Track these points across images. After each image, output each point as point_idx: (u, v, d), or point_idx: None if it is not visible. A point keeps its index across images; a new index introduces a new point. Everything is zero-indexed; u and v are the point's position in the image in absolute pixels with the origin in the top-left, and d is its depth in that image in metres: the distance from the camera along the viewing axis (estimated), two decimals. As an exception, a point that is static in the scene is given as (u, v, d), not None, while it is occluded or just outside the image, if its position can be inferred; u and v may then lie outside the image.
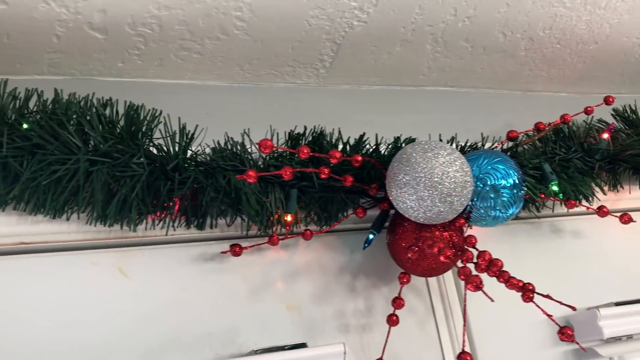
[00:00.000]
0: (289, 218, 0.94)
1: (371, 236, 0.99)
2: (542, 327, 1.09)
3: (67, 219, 0.87)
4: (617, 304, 1.10)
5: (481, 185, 0.92)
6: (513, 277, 0.86)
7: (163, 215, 0.91)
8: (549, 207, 1.21)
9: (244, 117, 1.02)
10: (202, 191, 0.89)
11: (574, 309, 0.82)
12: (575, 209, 1.22)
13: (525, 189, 0.97)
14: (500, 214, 0.93)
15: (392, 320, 0.93)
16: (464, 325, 0.87)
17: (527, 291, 0.84)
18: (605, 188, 1.21)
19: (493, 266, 0.87)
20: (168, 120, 0.87)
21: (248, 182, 0.81)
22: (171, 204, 0.90)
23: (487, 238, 1.15)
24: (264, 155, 0.93)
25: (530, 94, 1.35)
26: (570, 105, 1.18)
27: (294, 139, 0.97)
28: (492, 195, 0.91)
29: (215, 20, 0.94)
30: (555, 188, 1.05)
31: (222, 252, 0.93)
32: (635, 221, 1.12)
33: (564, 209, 1.22)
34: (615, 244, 1.24)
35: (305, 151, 0.83)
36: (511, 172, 0.92)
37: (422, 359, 1.00)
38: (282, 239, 0.95)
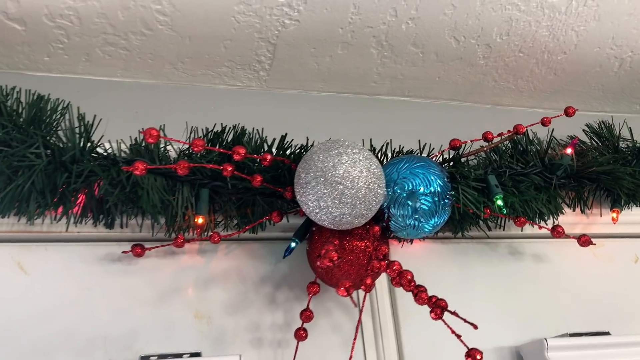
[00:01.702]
0: (199, 220, 0.89)
1: (293, 244, 0.93)
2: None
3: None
4: (573, 335, 0.99)
5: (398, 191, 0.85)
6: (423, 291, 0.78)
7: (70, 210, 0.87)
8: (509, 227, 1.12)
9: (176, 117, 0.98)
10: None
11: (475, 327, 0.73)
12: (538, 231, 1.13)
13: (453, 198, 0.89)
14: (420, 224, 0.85)
15: (300, 334, 0.86)
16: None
17: (436, 307, 0.76)
18: (567, 209, 1.12)
19: (402, 278, 0.79)
20: (70, 112, 0.85)
21: (135, 174, 0.77)
22: (73, 199, 0.87)
23: (433, 255, 1.08)
24: (187, 152, 0.90)
25: (501, 108, 1.27)
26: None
27: (213, 138, 0.93)
28: (409, 202, 0.84)
29: (135, 14, 0.92)
30: (499, 202, 0.97)
31: (123, 252, 0.89)
32: (594, 244, 1.01)
33: (525, 230, 1.13)
34: (583, 271, 1.13)
35: (199, 144, 0.79)
36: (432, 178, 0.85)
37: (344, 381, 0.92)
38: (189, 242, 0.90)
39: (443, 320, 0.76)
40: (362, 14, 0.98)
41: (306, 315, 0.86)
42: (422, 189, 0.84)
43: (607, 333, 1.01)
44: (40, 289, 0.87)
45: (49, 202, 0.85)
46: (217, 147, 0.91)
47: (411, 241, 1.05)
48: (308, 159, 0.80)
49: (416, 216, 0.84)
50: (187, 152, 0.91)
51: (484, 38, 1.06)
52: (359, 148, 0.80)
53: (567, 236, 1.01)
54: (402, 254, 1.05)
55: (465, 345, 0.75)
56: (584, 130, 1.17)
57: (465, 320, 0.73)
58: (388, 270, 0.80)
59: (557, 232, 1.01)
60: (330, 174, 0.77)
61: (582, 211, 1.14)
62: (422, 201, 0.84)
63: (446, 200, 0.86)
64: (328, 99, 1.16)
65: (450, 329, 0.76)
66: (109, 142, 0.89)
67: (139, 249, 0.88)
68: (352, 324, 0.97)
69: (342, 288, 0.69)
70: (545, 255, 1.13)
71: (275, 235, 1.00)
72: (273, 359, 0.91)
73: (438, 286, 0.97)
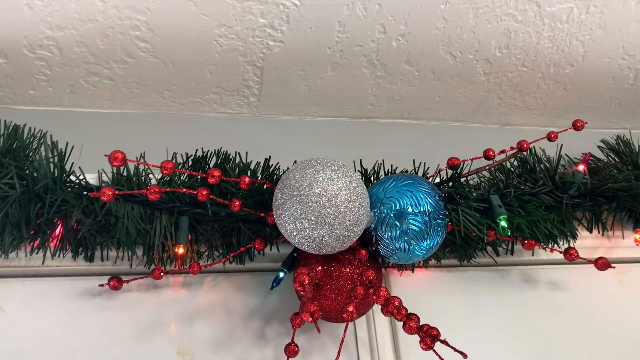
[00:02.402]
0: (180, 250, 0.85)
1: (281, 274, 0.88)
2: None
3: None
4: (594, 369, 0.90)
5: (385, 211, 0.79)
6: (413, 319, 0.71)
7: (47, 243, 0.84)
8: (520, 253, 1.04)
9: (164, 146, 0.95)
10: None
11: (464, 356, 0.65)
12: (553, 256, 1.04)
13: (447, 219, 0.83)
14: (410, 246, 0.78)
15: (285, 370, 0.79)
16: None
17: (427, 336, 0.69)
18: (585, 233, 1.03)
19: (389, 304, 0.72)
20: (45, 142, 0.82)
21: (103, 200, 0.73)
22: (49, 231, 0.84)
23: (437, 284, 1.00)
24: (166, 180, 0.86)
25: (509, 128, 1.20)
26: (560, 140, 1.03)
27: (194, 163, 0.89)
28: (397, 223, 0.78)
29: (115, 41, 0.90)
30: (503, 223, 0.89)
31: (100, 285, 0.85)
32: (613, 267, 0.93)
33: (539, 255, 1.05)
34: (607, 300, 1.03)
35: (168, 166, 0.75)
36: (422, 195, 0.79)
37: None
38: (168, 273, 0.85)
39: (434, 351, 0.69)
40: (349, 32, 0.94)
41: (290, 349, 0.79)
42: (410, 209, 0.78)
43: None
44: (17, 325, 0.83)
45: (24, 235, 0.83)
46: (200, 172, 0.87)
47: (412, 269, 0.98)
48: (284, 179, 0.75)
49: (405, 238, 0.78)
50: (165, 179, 0.87)
51: (482, 52, 1.01)
52: (338, 165, 0.75)
53: (582, 259, 0.92)
54: (403, 284, 0.98)
55: (458, 378, 0.67)
56: (599, 146, 1.09)
57: (455, 349, 0.66)
58: (374, 297, 0.74)
59: (570, 255, 0.93)
60: (305, 193, 0.71)
61: (602, 233, 1.05)
62: (411, 222, 0.78)
63: (439, 221, 0.79)
64: (323, 124, 1.12)
65: (442, 358, 0.69)
66: (90, 172, 0.86)
67: (115, 282, 0.84)
68: (348, 360, 0.90)
69: (306, 312, 0.62)
70: (563, 282, 1.04)
71: (265, 266, 0.95)
72: (261, 399, 0.84)
73: (443, 318, 0.90)
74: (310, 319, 0.63)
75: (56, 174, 0.82)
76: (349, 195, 0.72)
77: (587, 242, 1.05)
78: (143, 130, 1.04)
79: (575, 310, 1.01)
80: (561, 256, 1.00)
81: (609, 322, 1.01)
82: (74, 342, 0.83)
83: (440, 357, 0.69)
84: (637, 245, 1.03)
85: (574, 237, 1.00)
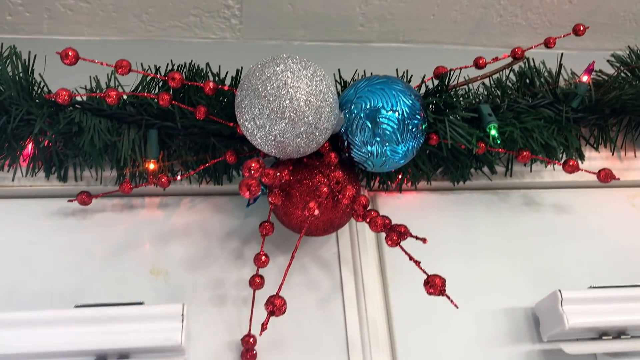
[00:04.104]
0: (151, 165, 0.82)
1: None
2: (491, 319, 0.84)
3: None
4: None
5: (355, 112, 0.73)
6: (380, 216, 0.66)
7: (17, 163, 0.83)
8: (522, 174, 0.97)
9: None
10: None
11: (424, 241, 0.60)
12: (559, 178, 0.97)
13: (425, 120, 0.77)
14: (383, 150, 0.73)
15: (255, 282, 0.76)
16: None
17: (392, 232, 0.64)
18: (594, 153, 0.96)
19: (356, 204, 0.68)
20: (14, 57, 0.80)
21: (58, 102, 0.71)
22: (18, 151, 0.82)
23: (428, 208, 0.94)
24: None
25: (514, 51, 1.12)
26: (570, 64, 0.95)
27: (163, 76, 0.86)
28: (368, 124, 0.73)
29: (86, -42, 0.88)
30: (493, 132, 0.83)
31: (69, 200, 0.83)
32: (617, 178, 0.85)
33: (543, 178, 0.98)
34: (616, 223, 0.96)
35: (124, 64, 0.72)
36: (394, 93, 0.73)
37: (320, 345, 0.80)
38: (137, 187, 0.83)
39: (401, 247, 0.64)
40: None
41: (259, 258, 0.75)
42: (381, 107, 0.73)
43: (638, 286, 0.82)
44: (-12, 243, 0.82)
45: (-7, 152, 0.81)
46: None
47: (400, 189, 0.92)
48: (244, 76, 0.71)
49: (378, 139, 0.73)
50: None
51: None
52: (300, 59, 0.70)
53: (583, 171, 0.85)
54: (391, 206, 0.93)
55: (424, 272, 0.62)
56: (608, 60, 1.00)
57: (417, 238, 0.61)
58: (340, 196, 0.69)
59: (569, 167, 0.86)
60: (263, 87, 0.67)
61: (612, 153, 0.97)
62: (383, 121, 0.72)
63: (415, 121, 0.74)
64: (312, 49, 1.07)
65: (408, 255, 0.63)
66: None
67: (84, 196, 0.82)
68: (330, 282, 0.85)
69: (243, 186, 0.58)
70: (569, 205, 0.97)
71: (245, 188, 0.91)
72: (237, 317, 0.80)
73: (436, 239, 0.82)
74: (247, 192, 0.59)
75: (20, 86, 0.80)
76: (311, 88, 0.68)
77: (597, 164, 0.97)
78: (125, 58, 1.01)
79: (582, 233, 0.93)
80: (567, 178, 0.94)
81: (619, 245, 0.93)
82: (45, 260, 0.82)
83: (408, 254, 0.64)
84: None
85: (580, 154, 0.93)
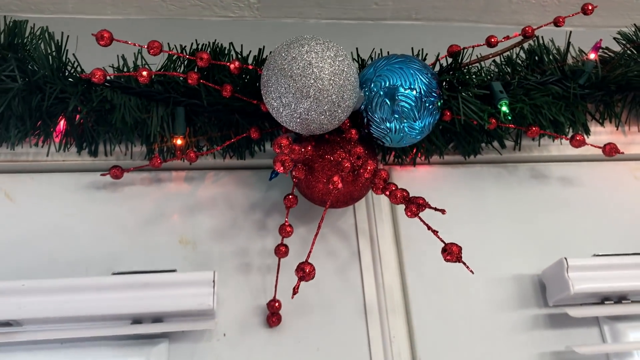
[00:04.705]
0: (178, 141, 0.86)
1: (279, 166, 0.88)
2: (500, 285, 0.89)
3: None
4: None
5: (375, 90, 0.77)
6: (399, 189, 0.70)
7: (50, 139, 0.87)
8: (530, 149, 1.01)
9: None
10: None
11: (443, 212, 0.64)
12: (566, 152, 1.01)
13: (441, 98, 0.80)
14: (401, 127, 0.77)
15: (280, 251, 0.81)
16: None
17: (411, 204, 0.68)
18: (599, 128, 0.99)
19: (376, 177, 0.72)
20: (46, 37, 0.84)
21: (94, 81, 0.75)
22: (52, 126, 0.86)
23: (441, 181, 0.99)
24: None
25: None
26: (578, 41, 0.98)
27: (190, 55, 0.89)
28: (387, 101, 0.77)
29: None
30: (504, 108, 0.87)
31: (102, 174, 0.87)
32: (621, 152, 0.90)
33: (550, 152, 1.02)
34: (620, 194, 1.00)
35: (155, 45, 0.75)
36: (412, 72, 0.77)
37: (340, 309, 0.85)
38: (166, 161, 0.87)
39: (419, 217, 0.69)
40: None
41: (284, 229, 0.80)
42: (401, 86, 0.76)
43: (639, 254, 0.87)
44: (25, 216, 0.87)
45: (28, 128, 0.85)
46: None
47: (414, 163, 0.97)
48: (270, 56, 0.75)
49: (396, 116, 0.77)
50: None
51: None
52: (324, 40, 0.74)
53: (589, 145, 0.90)
54: (406, 179, 0.97)
55: (441, 240, 0.66)
56: (615, 38, 1.04)
57: (436, 209, 0.65)
58: (361, 170, 0.73)
59: (576, 142, 0.90)
60: (289, 67, 0.71)
61: (617, 127, 1.01)
62: (401, 99, 0.76)
63: (431, 99, 0.78)
64: (327, 27, 1.10)
65: (427, 225, 0.68)
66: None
67: (117, 170, 0.86)
68: (348, 251, 0.90)
69: (278, 162, 0.63)
70: (576, 178, 1.01)
71: (266, 163, 0.95)
72: (261, 284, 0.85)
73: (448, 212, 0.87)
74: (282, 167, 0.63)
75: (54, 66, 0.84)
76: (334, 68, 0.71)
77: (602, 138, 1.01)
78: (148, 38, 1.04)
79: (588, 205, 0.98)
80: (574, 152, 0.98)
81: (621, 216, 0.98)
82: (79, 231, 0.86)
83: (427, 224, 0.68)
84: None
85: (586, 129, 0.97)
